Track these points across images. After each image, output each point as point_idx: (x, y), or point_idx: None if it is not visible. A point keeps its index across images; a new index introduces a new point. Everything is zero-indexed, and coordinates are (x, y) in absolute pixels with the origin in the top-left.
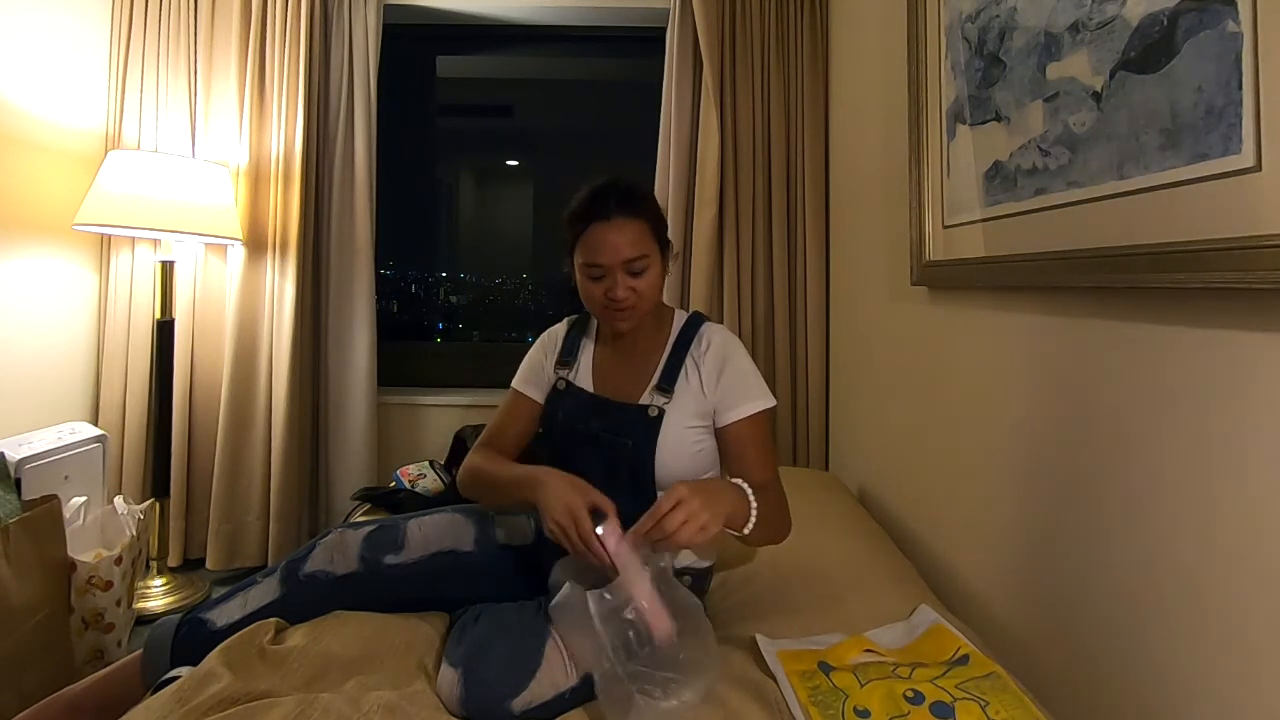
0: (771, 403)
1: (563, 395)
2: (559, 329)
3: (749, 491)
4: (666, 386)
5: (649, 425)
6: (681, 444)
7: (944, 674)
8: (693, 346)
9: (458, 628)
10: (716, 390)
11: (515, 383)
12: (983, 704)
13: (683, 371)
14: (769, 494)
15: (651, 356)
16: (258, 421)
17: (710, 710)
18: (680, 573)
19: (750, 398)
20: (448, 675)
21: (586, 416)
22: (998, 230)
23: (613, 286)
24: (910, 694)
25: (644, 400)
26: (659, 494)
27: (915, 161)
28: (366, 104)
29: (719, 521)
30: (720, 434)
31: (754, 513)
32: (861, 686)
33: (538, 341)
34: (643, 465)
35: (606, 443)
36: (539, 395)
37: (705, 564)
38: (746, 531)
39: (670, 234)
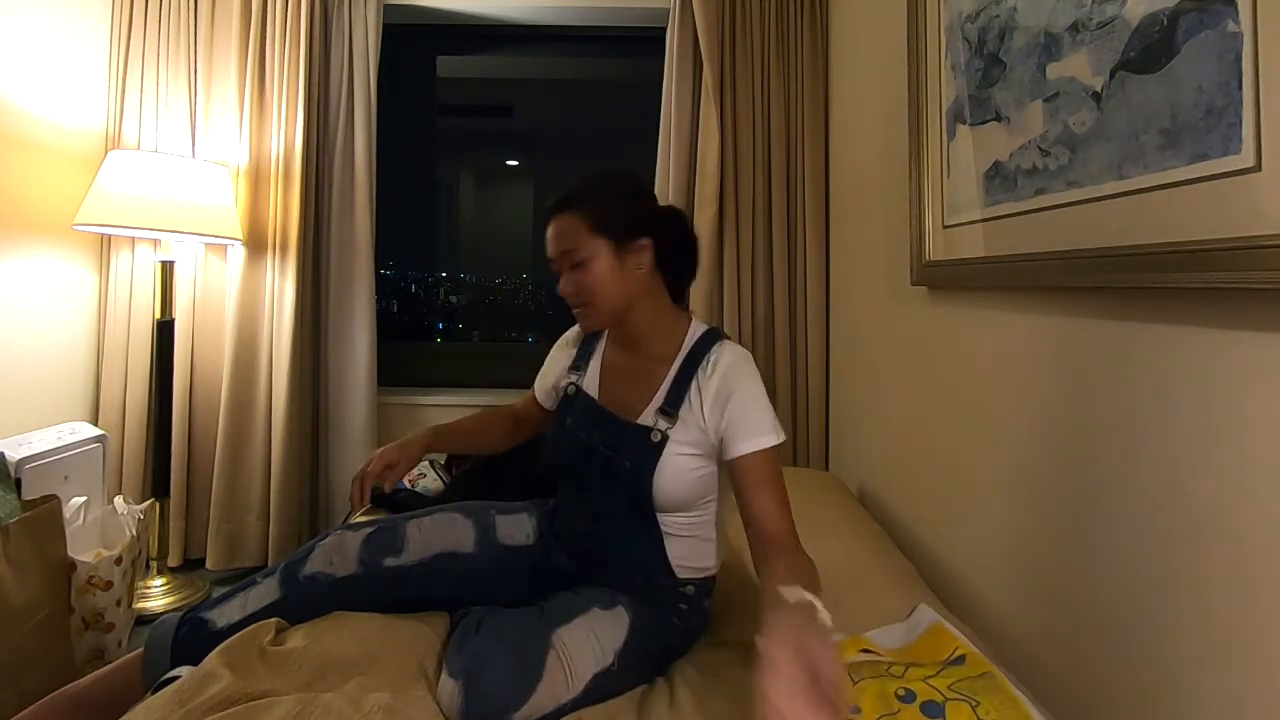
0: (780, 439)
1: (571, 401)
2: (570, 337)
3: (819, 612)
4: (671, 410)
5: (650, 450)
6: (680, 471)
7: (937, 673)
8: (700, 367)
9: (458, 634)
10: (721, 422)
11: (535, 383)
12: (973, 704)
13: (689, 394)
14: (799, 560)
15: (658, 370)
16: (258, 421)
17: (709, 713)
18: (683, 583)
19: (755, 433)
20: (448, 686)
21: (590, 427)
22: (998, 230)
23: (561, 284)
24: (902, 692)
25: (645, 420)
26: (658, 516)
27: (915, 161)
28: (366, 104)
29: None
30: (730, 466)
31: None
32: (854, 684)
33: (560, 339)
34: (641, 487)
35: (607, 458)
36: (548, 402)
37: (708, 573)
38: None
39: None
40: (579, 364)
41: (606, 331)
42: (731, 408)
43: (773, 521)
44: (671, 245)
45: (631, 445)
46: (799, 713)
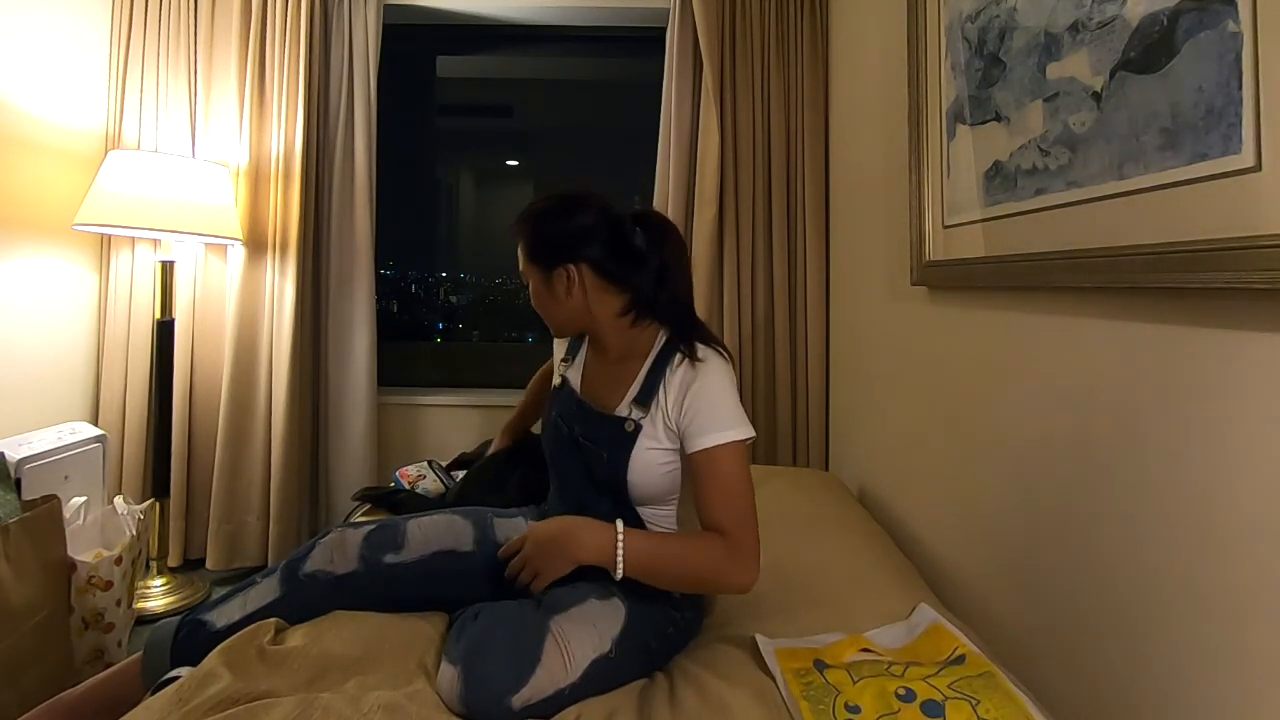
0: (741, 436)
1: (558, 392)
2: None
3: (619, 539)
4: (645, 401)
5: (625, 439)
6: (649, 463)
7: (937, 673)
8: (669, 364)
9: (457, 626)
10: (682, 415)
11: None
12: (974, 703)
13: (659, 388)
14: (691, 545)
15: (632, 368)
16: (258, 421)
17: (710, 709)
18: None
19: (712, 429)
20: (447, 672)
21: (571, 419)
22: (998, 230)
23: None
24: (902, 691)
25: (620, 411)
26: (637, 509)
27: (915, 161)
28: (366, 104)
29: (555, 573)
30: (686, 461)
31: (620, 559)
32: (854, 684)
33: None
34: (617, 477)
35: (586, 449)
36: (553, 378)
37: None
38: (617, 576)
39: None
40: (569, 357)
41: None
42: (690, 401)
43: (709, 516)
44: (615, 262)
45: (608, 436)
46: (532, 560)
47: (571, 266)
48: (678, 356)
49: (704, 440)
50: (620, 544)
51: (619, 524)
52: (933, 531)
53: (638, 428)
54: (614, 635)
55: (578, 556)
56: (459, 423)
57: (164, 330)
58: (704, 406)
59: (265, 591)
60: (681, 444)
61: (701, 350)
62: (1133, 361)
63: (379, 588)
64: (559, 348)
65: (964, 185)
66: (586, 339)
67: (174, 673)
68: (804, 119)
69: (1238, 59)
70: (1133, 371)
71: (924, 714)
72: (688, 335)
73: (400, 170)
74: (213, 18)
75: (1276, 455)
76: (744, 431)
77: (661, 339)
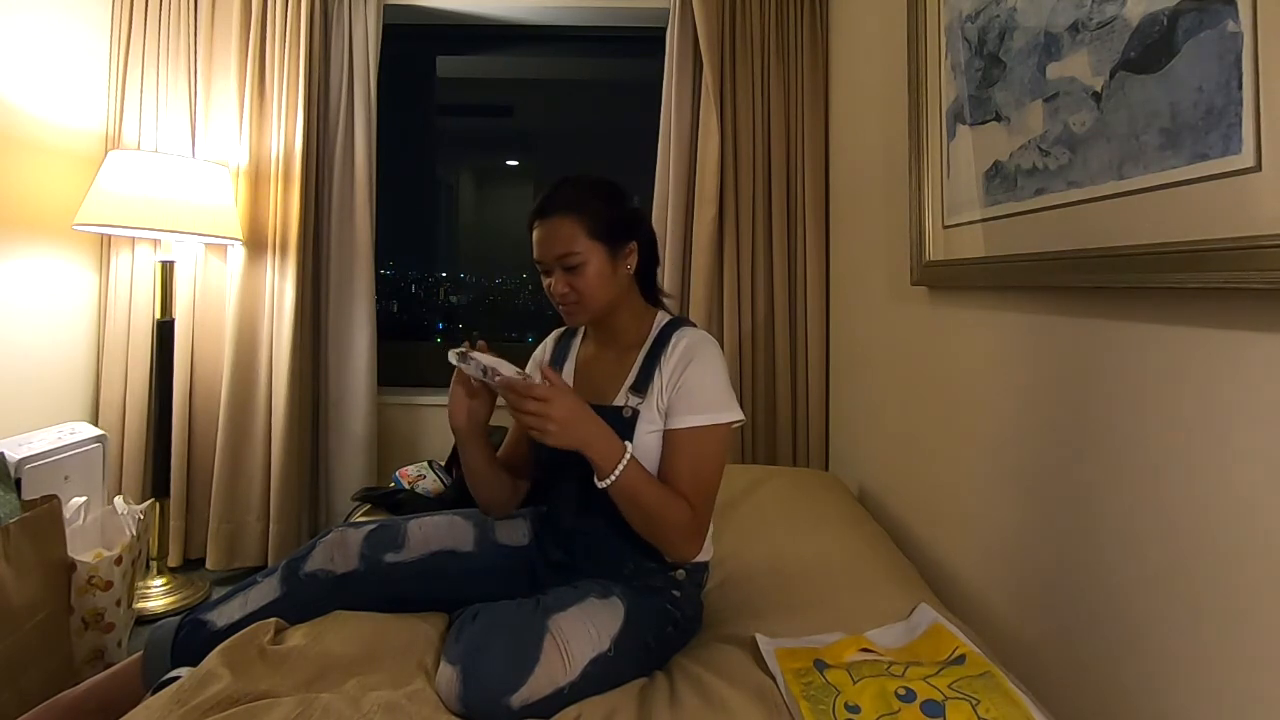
0: (726, 419)
1: None
2: (549, 340)
3: (625, 458)
4: (641, 387)
5: (624, 425)
6: (650, 447)
7: (937, 673)
8: (664, 351)
9: (456, 626)
10: (674, 393)
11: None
12: (974, 703)
13: (654, 375)
14: (669, 500)
15: (628, 356)
16: (258, 421)
17: (710, 708)
18: (673, 568)
19: (698, 410)
20: (446, 673)
21: None
22: (998, 230)
23: (551, 282)
24: (902, 691)
25: (618, 401)
26: None
27: (915, 161)
28: (366, 104)
29: (562, 442)
30: (666, 435)
31: (616, 475)
32: (854, 684)
33: (531, 357)
34: None
35: None
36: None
37: (704, 559)
38: (601, 485)
39: (669, 234)
40: (553, 365)
41: (580, 332)
42: (683, 380)
43: (677, 486)
44: (648, 246)
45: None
46: (554, 415)
47: (634, 243)
48: (674, 340)
49: (691, 419)
50: (625, 460)
51: (629, 444)
52: (933, 531)
53: (635, 413)
54: (613, 634)
55: (588, 442)
56: None
57: (164, 330)
58: (696, 387)
59: (266, 591)
60: (665, 418)
61: (693, 332)
62: (1133, 362)
63: (379, 587)
64: (541, 358)
65: (964, 185)
66: (575, 344)
67: (174, 673)
68: (804, 119)
69: (1238, 59)
70: (1133, 372)
71: (924, 714)
72: (679, 321)
73: (400, 170)
74: (213, 18)
75: (1277, 455)
76: (732, 414)
77: (657, 327)
